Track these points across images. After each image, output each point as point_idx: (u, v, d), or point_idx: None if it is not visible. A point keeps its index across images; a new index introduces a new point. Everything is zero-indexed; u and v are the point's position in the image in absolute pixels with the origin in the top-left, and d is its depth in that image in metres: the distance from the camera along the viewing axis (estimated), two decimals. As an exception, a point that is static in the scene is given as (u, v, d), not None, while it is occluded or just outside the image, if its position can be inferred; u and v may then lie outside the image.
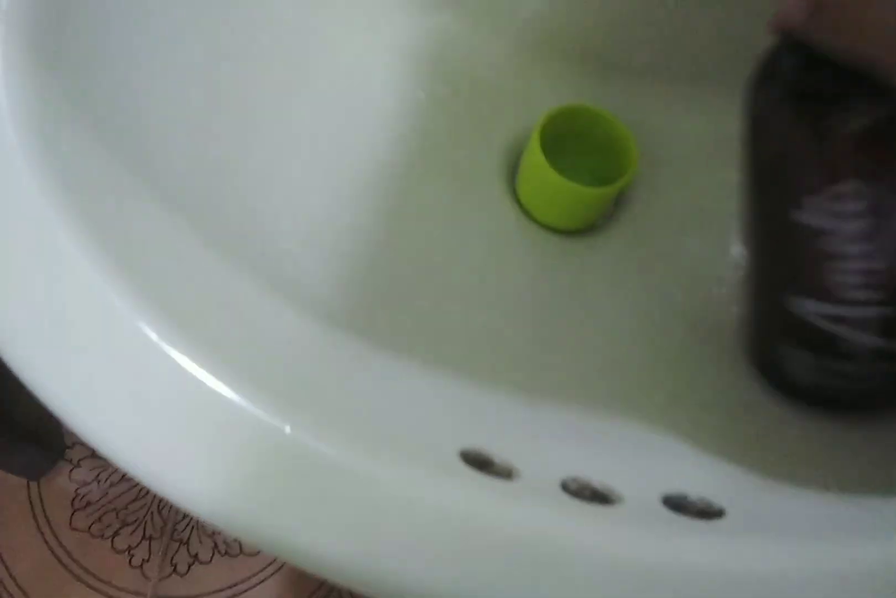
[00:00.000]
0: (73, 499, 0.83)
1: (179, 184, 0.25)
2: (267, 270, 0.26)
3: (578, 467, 0.20)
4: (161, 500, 0.83)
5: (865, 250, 0.21)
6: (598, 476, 0.20)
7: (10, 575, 0.80)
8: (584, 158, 0.34)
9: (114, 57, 0.25)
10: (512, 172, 0.35)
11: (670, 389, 0.27)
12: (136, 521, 0.82)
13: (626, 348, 0.29)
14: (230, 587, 0.79)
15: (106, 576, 0.80)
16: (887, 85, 0.20)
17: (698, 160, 0.35)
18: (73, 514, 0.83)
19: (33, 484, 0.84)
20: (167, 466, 0.18)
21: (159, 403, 0.18)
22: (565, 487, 0.19)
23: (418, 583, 0.17)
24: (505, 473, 0.19)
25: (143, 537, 0.81)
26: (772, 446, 0.25)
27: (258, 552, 0.80)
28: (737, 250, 0.33)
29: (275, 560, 0.80)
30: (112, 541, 0.81)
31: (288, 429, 0.18)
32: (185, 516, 0.82)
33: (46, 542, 0.81)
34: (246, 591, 0.79)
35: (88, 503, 0.83)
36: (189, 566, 0.80)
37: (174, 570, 0.80)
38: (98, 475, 0.84)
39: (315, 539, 0.17)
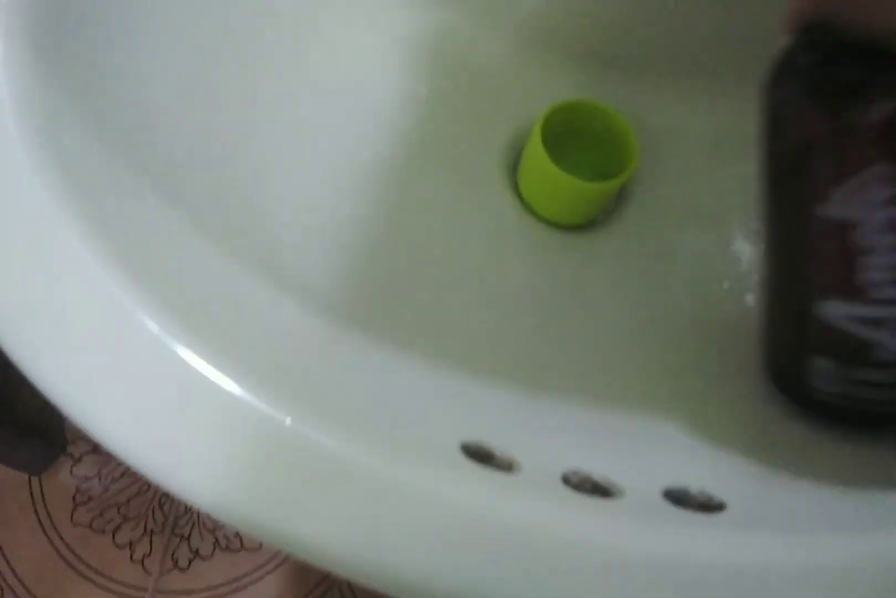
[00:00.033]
0: (75, 494, 0.83)
1: (180, 177, 0.25)
2: (267, 263, 0.26)
3: (579, 461, 0.20)
4: (162, 495, 0.83)
5: None
6: (598, 470, 0.20)
7: (12, 570, 0.80)
8: (585, 153, 0.34)
9: (115, 51, 0.25)
10: (513, 166, 0.34)
11: (671, 383, 0.27)
12: (137, 516, 0.82)
13: (627, 343, 0.29)
14: (231, 582, 0.79)
15: (107, 571, 0.80)
16: None
17: (700, 156, 0.35)
18: (74, 509, 0.83)
19: (35, 479, 0.84)
20: (168, 457, 0.18)
21: (161, 395, 0.18)
22: (566, 480, 0.19)
23: (418, 575, 0.17)
24: (506, 466, 0.19)
25: (145, 532, 0.82)
26: (773, 440, 0.25)
27: (259, 548, 0.80)
28: (738, 246, 0.33)
29: (276, 556, 0.80)
30: (113, 536, 0.82)
31: (288, 421, 0.18)
32: (186, 511, 0.82)
33: (48, 537, 0.82)
34: (247, 586, 0.79)
35: (90, 498, 0.83)
36: (190, 561, 0.80)
37: (175, 565, 0.80)
38: (99, 471, 0.84)
39: (315, 531, 0.17)
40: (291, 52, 0.32)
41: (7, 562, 0.81)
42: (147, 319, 0.19)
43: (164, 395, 0.18)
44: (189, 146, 0.26)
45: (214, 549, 0.81)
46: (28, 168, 0.20)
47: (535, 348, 0.28)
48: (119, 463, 0.86)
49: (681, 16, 0.33)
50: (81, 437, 0.85)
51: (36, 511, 0.83)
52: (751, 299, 0.31)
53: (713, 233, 0.33)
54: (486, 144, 0.34)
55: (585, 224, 0.34)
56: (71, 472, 0.84)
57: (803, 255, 0.23)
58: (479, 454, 0.19)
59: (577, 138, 0.33)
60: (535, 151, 0.32)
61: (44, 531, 0.82)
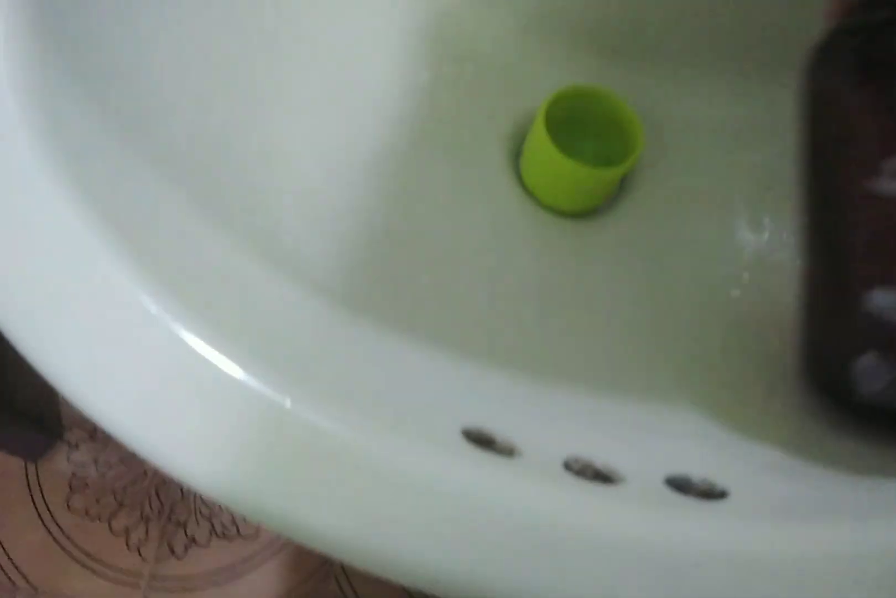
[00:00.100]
0: (71, 480, 0.83)
1: (181, 158, 0.25)
2: (267, 246, 0.25)
3: (581, 447, 0.20)
4: (159, 482, 0.83)
5: None
6: (600, 456, 0.20)
7: (8, 556, 0.80)
8: (589, 139, 0.33)
9: (115, 33, 0.25)
10: (516, 152, 0.34)
11: (674, 370, 0.27)
12: (133, 503, 0.82)
13: (630, 330, 0.29)
14: (227, 569, 0.79)
15: (103, 557, 0.80)
16: None
17: (704, 144, 0.35)
18: (70, 495, 0.83)
19: (31, 465, 0.84)
20: (166, 439, 0.18)
21: (159, 376, 0.18)
22: (567, 466, 0.19)
23: (416, 559, 0.17)
24: (506, 451, 0.19)
25: (141, 518, 0.82)
26: (777, 428, 0.24)
27: (256, 535, 0.80)
28: (743, 235, 0.33)
29: (272, 543, 0.80)
30: (109, 523, 0.82)
31: (288, 403, 0.18)
32: (182, 498, 0.82)
33: (44, 523, 0.82)
34: (243, 573, 0.79)
35: (86, 485, 0.83)
36: (186, 548, 0.80)
37: (171, 552, 0.80)
38: (96, 457, 0.84)
39: (314, 514, 0.17)
40: (293, 37, 0.32)
41: (3, 548, 0.81)
42: (147, 299, 0.19)
43: (163, 376, 0.18)
44: (189, 128, 0.26)
45: (211, 536, 0.81)
46: (27, 148, 0.20)
47: (536, 335, 0.28)
48: (115, 450, 0.86)
49: (687, 4, 0.33)
50: (78, 424, 0.85)
51: (32, 498, 0.83)
52: (755, 288, 0.31)
53: (717, 221, 0.33)
54: (489, 131, 0.34)
55: (588, 211, 0.33)
56: (67, 458, 0.84)
57: (849, 240, 0.23)
58: (481, 440, 0.19)
59: (581, 125, 0.33)
60: (539, 136, 0.31)
61: (40, 517, 0.82)
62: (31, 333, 0.19)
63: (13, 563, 0.80)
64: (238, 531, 0.81)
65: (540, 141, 0.31)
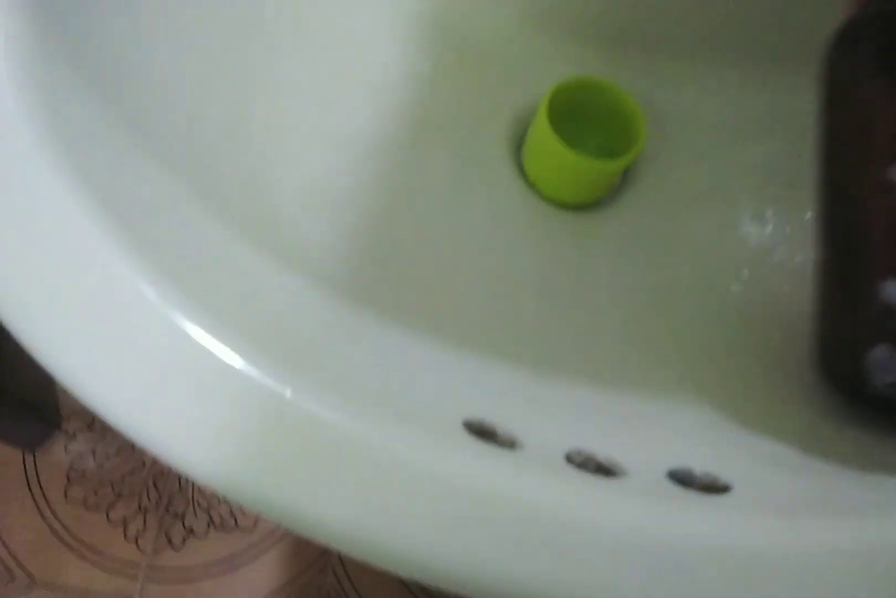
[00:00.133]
0: (69, 471, 0.83)
1: (181, 147, 0.25)
2: (267, 236, 0.25)
3: (583, 440, 0.20)
4: (157, 473, 0.83)
5: None
6: (602, 450, 0.20)
7: (5, 545, 0.80)
8: (591, 131, 0.33)
9: (115, 18, 0.24)
10: (518, 143, 0.34)
11: (676, 364, 0.27)
12: (131, 494, 0.82)
13: (632, 323, 0.29)
14: (225, 561, 0.79)
15: (101, 548, 0.80)
16: None
17: (708, 136, 0.34)
18: (68, 486, 0.83)
19: (28, 455, 0.84)
20: (166, 428, 0.18)
21: (159, 366, 0.18)
22: (569, 459, 0.19)
23: (415, 550, 0.17)
24: (508, 444, 0.19)
25: (139, 509, 0.82)
26: (782, 422, 0.24)
27: (253, 527, 0.81)
28: (746, 228, 0.33)
29: (270, 535, 0.80)
30: (107, 514, 0.82)
31: (288, 393, 0.18)
32: (180, 489, 0.82)
33: (41, 513, 0.82)
34: (240, 565, 0.79)
35: (84, 475, 0.83)
36: (184, 540, 0.80)
37: (169, 543, 0.80)
38: (94, 448, 0.84)
39: (313, 504, 0.17)
40: (294, 25, 0.32)
41: (1, 538, 0.81)
42: (146, 288, 0.18)
43: (163, 366, 0.18)
44: (189, 117, 0.26)
45: (209, 528, 0.81)
46: (27, 138, 0.20)
47: (538, 327, 0.28)
48: (113, 440, 0.86)
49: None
50: (76, 414, 0.85)
51: (30, 488, 0.83)
52: (757, 282, 0.31)
53: (720, 215, 0.33)
54: (490, 122, 0.34)
55: (590, 204, 0.33)
56: (65, 449, 0.84)
57: (865, 229, 0.22)
58: (482, 432, 0.19)
59: (584, 116, 0.33)
60: (541, 128, 0.31)
61: (37, 507, 0.82)
62: (30, 322, 0.18)
63: (10, 553, 0.80)
64: (236, 522, 0.81)
65: (542, 132, 0.31)
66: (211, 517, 0.81)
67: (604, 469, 0.19)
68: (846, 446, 0.23)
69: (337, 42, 0.33)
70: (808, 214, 0.32)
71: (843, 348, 0.24)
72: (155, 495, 0.82)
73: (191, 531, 0.81)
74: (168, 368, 0.18)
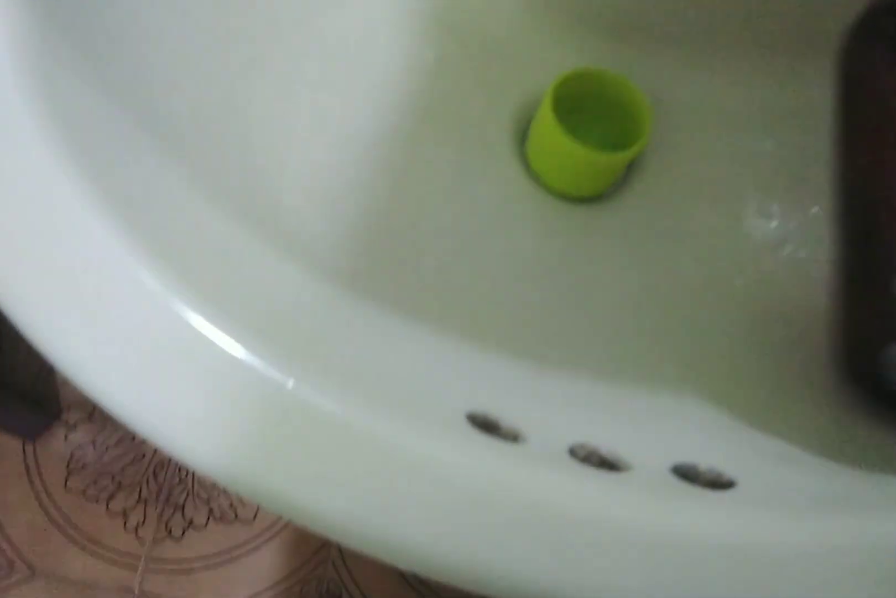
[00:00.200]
0: (69, 461, 0.84)
1: (180, 133, 0.24)
2: (268, 225, 0.25)
3: (587, 434, 0.20)
4: (157, 464, 0.83)
5: None
6: (606, 444, 0.20)
7: (6, 536, 0.81)
8: (596, 122, 0.33)
9: (117, 6, 0.24)
10: (522, 135, 0.34)
11: (680, 359, 0.27)
12: (131, 484, 0.83)
13: (636, 317, 0.29)
14: (224, 553, 0.80)
15: (100, 538, 0.80)
16: None
17: (715, 129, 0.34)
18: (68, 476, 0.83)
19: (29, 445, 0.84)
20: (167, 418, 0.17)
21: (160, 355, 0.18)
22: (573, 453, 0.19)
23: (416, 542, 0.17)
24: (511, 436, 0.19)
25: (139, 500, 0.82)
26: (786, 417, 0.24)
27: (253, 519, 0.81)
28: (751, 222, 0.32)
29: (270, 528, 0.80)
30: (107, 504, 0.82)
31: (290, 384, 0.18)
32: (180, 481, 0.83)
33: (41, 504, 0.82)
34: (240, 557, 0.79)
35: (84, 466, 0.83)
36: (184, 531, 0.80)
37: (169, 534, 0.80)
38: (94, 438, 0.84)
39: (314, 495, 0.17)
40: (297, 15, 0.31)
41: (1, 528, 0.81)
42: (147, 277, 0.18)
43: (164, 355, 0.18)
44: (190, 103, 0.26)
45: (208, 519, 0.81)
46: (26, 121, 0.20)
47: (541, 320, 0.28)
48: (114, 431, 0.86)
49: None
50: (76, 404, 0.85)
51: (30, 478, 0.83)
52: (762, 276, 0.31)
53: (725, 208, 0.33)
54: (494, 112, 0.34)
55: (594, 196, 0.33)
56: (65, 439, 0.84)
57: (882, 224, 0.22)
58: (485, 424, 0.19)
59: (588, 108, 0.33)
60: (546, 119, 0.31)
61: (37, 497, 0.82)
62: (30, 311, 0.18)
63: (10, 543, 0.80)
64: (236, 514, 0.81)
65: (547, 124, 0.31)
66: (211, 509, 0.81)
67: (607, 464, 0.19)
68: (855, 443, 0.22)
69: (340, 32, 0.32)
70: (815, 209, 0.32)
71: (860, 345, 0.24)
72: (155, 487, 0.82)
73: (191, 522, 0.81)
74: (169, 357, 0.18)
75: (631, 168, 0.34)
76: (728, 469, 0.20)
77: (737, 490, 0.19)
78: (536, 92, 0.34)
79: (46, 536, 0.80)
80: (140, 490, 0.82)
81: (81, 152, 0.20)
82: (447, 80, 0.34)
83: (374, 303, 0.25)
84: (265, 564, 0.79)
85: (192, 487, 0.82)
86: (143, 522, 0.81)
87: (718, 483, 0.19)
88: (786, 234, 0.32)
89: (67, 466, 0.83)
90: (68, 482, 0.83)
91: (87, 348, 0.18)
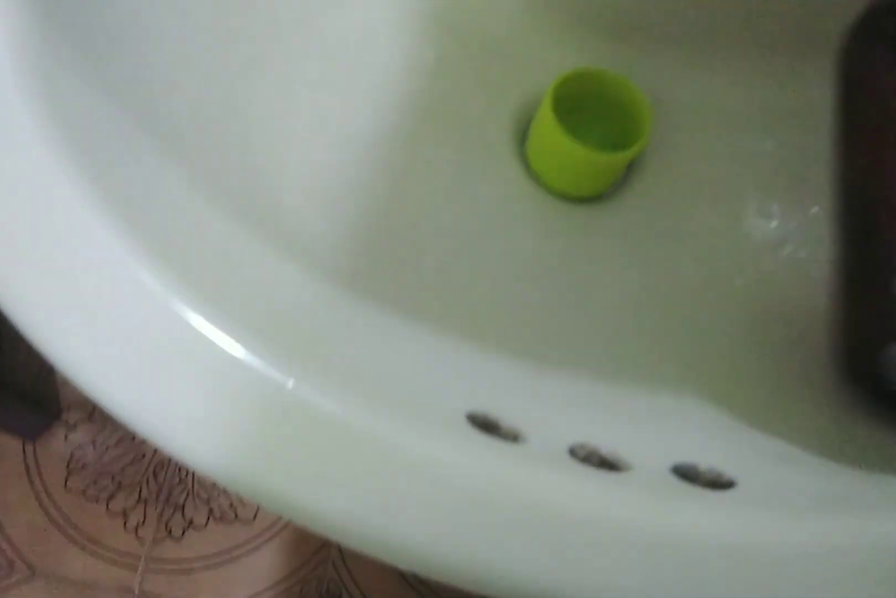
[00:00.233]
0: (69, 461, 0.83)
1: (182, 134, 0.24)
2: (268, 225, 0.25)
3: (587, 434, 0.20)
4: (157, 464, 0.83)
5: None
6: (606, 444, 0.20)
7: (6, 536, 0.81)
8: (596, 122, 0.33)
9: (117, 5, 0.24)
10: (522, 135, 0.34)
11: (680, 358, 0.27)
12: (131, 485, 0.83)
13: (635, 317, 0.29)
14: (224, 553, 0.79)
15: (100, 538, 0.80)
16: None
17: (715, 129, 0.34)
18: (68, 476, 0.83)
19: (29, 445, 0.84)
20: (166, 418, 0.17)
21: (159, 355, 0.18)
22: (573, 453, 0.19)
23: (416, 541, 0.17)
24: (511, 436, 0.19)
25: (139, 500, 0.82)
26: (786, 417, 0.24)
27: (253, 519, 0.81)
28: (751, 222, 0.32)
29: (269, 528, 0.80)
30: (107, 504, 0.82)
31: (290, 384, 0.18)
32: (180, 480, 0.83)
33: (41, 503, 0.82)
34: (240, 557, 0.79)
35: (84, 466, 0.83)
36: (184, 531, 0.80)
37: (169, 534, 0.80)
38: (94, 438, 0.84)
39: (314, 496, 0.17)
40: (297, 15, 0.31)
41: (1, 527, 0.81)
42: (147, 276, 0.18)
43: (164, 354, 0.18)
44: (190, 103, 0.25)
45: (208, 519, 0.81)
46: (26, 121, 0.20)
47: (541, 320, 0.28)
48: (114, 431, 0.86)
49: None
50: (76, 404, 0.85)
51: (30, 478, 0.83)
52: (762, 277, 0.31)
53: (725, 209, 0.33)
54: (494, 112, 0.34)
55: (594, 196, 0.33)
56: (65, 438, 0.84)
57: (882, 223, 0.22)
58: (485, 424, 0.19)
59: (588, 108, 0.33)
60: (546, 119, 0.31)
61: (37, 497, 0.82)
62: (30, 311, 0.18)
63: (10, 543, 0.80)
64: (236, 514, 0.81)
65: (547, 124, 0.31)
66: (211, 509, 0.81)
67: (607, 464, 0.19)
68: (855, 443, 0.22)
69: (339, 31, 0.32)
70: (815, 209, 0.32)
71: (860, 345, 0.24)
72: (155, 487, 0.82)
73: (191, 522, 0.81)
74: (169, 357, 0.18)
75: (631, 168, 0.34)
76: (728, 469, 0.20)
77: (737, 490, 0.19)
78: (536, 92, 0.34)
79: (46, 536, 0.80)
80: (140, 490, 0.82)
81: (81, 152, 0.20)
82: (447, 80, 0.34)
83: (374, 303, 0.25)
84: (265, 564, 0.79)
85: (192, 487, 0.82)
86: (143, 522, 0.81)
87: (718, 483, 0.19)
88: (786, 234, 0.32)
89: (67, 466, 0.83)
90: (68, 482, 0.83)
91: (86, 348, 0.18)
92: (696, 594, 0.17)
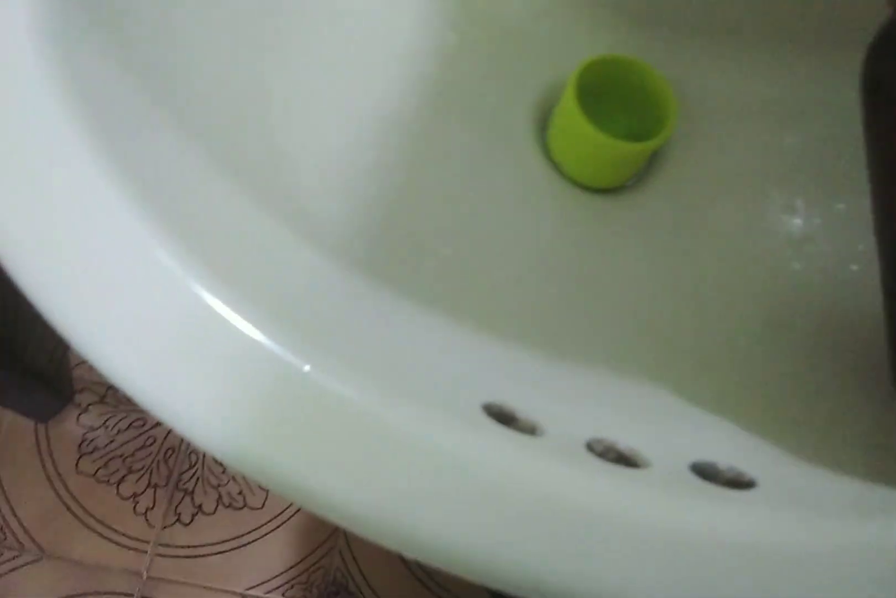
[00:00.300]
0: (81, 443, 0.84)
1: (200, 111, 0.24)
2: (286, 207, 0.25)
3: (604, 429, 0.20)
4: (167, 449, 0.84)
5: None
6: (624, 440, 0.19)
7: (16, 516, 0.81)
8: (620, 111, 0.32)
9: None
10: (543, 122, 0.33)
11: (700, 355, 0.26)
12: (142, 469, 0.83)
13: (655, 311, 0.28)
14: (233, 540, 0.80)
15: (110, 522, 0.81)
16: None
17: (740, 122, 0.34)
18: (79, 458, 0.83)
19: (41, 427, 0.84)
20: (181, 400, 0.17)
21: (176, 336, 0.18)
22: (590, 447, 0.19)
23: (429, 531, 0.17)
24: (528, 429, 0.19)
25: (149, 485, 0.82)
26: (808, 418, 0.24)
27: (262, 506, 0.81)
28: (774, 217, 0.32)
29: (279, 515, 0.81)
30: (118, 487, 0.82)
31: (307, 368, 0.17)
32: (190, 466, 0.83)
33: (52, 485, 0.82)
34: (248, 544, 0.80)
35: (95, 448, 0.84)
36: (193, 517, 0.81)
37: (178, 519, 0.81)
38: (106, 421, 0.85)
39: (327, 482, 0.17)
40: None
41: (11, 509, 0.81)
42: (166, 257, 0.18)
43: (181, 336, 0.18)
44: (211, 81, 0.25)
45: (217, 506, 0.81)
46: (47, 97, 0.19)
47: (557, 311, 0.28)
48: (125, 415, 0.87)
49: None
50: (89, 386, 0.85)
51: (41, 459, 0.83)
52: (784, 274, 0.30)
53: (748, 203, 0.32)
54: (515, 98, 0.33)
55: (615, 187, 0.33)
56: (77, 421, 0.84)
57: None
58: (502, 416, 0.19)
59: (612, 96, 0.32)
60: (568, 107, 0.30)
61: (48, 479, 0.83)
62: (48, 290, 0.18)
63: (21, 524, 0.81)
64: (245, 501, 0.81)
65: (569, 111, 0.30)
66: (220, 496, 0.81)
67: (625, 459, 0.19)
68: (886, 449, 0.22)
69: (361, 12, 0.32)
70: (841, 206, 0.32)
71: None
72: (165, 472, 0.83)
73: (200, 508, 0.81)
74: (185, 338, 0.18)
75: (653, 159, 0.33)
76: (749, 469, 0.19)
77: (757, 491, 0.19)
78: (559, 78, 0.33)
79: (57, 518, 0.81)
80: (150, 475, 0.83)
81: (102, 129, 0.20)
82: (469, 64, 0.33)
83: (389, 289, 0.24)
84: (273, 552, 0.79)
85: (202, 473, 0.83)
86: (153, 506, 0.81)
87: (739, 483, 0.19)
88: (810, 231, 0.31)
89: (79, 448, 0.84)
90: (80, 465, 0.83)
91: (103, 327, 0.18)
92: (707, 593, 0.17)
